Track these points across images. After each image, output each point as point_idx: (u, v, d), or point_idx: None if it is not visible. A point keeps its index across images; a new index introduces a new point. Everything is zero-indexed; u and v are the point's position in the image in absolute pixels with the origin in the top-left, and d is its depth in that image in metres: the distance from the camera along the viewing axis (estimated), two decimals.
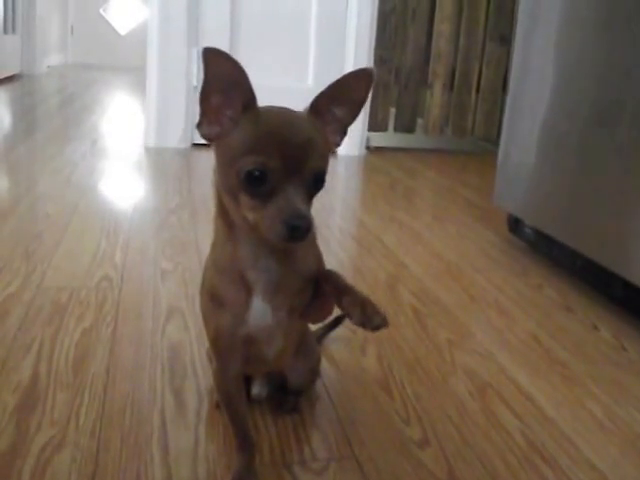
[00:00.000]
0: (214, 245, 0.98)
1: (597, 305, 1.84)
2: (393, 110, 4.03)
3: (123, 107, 5.88)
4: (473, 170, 3.76)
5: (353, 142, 3.83)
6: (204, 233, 2.23)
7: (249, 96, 0.84)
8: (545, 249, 2.14)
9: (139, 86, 6.44)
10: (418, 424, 1.23)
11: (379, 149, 4.07)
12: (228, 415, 1.06)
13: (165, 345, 1.45)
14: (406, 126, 4.05)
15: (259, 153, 0.80)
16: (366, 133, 3.94)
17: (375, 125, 3.97)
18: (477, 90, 4.04)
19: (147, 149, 3.61)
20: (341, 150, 3.84)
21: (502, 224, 2.40)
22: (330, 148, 0.90)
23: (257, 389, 1.23)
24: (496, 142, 3.99)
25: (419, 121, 4.08)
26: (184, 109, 3.63)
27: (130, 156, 3.48)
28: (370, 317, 0.86)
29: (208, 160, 3.06)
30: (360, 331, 1.55)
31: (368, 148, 3.98)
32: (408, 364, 1.45)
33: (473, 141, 4.20)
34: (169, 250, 2.06)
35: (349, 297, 0.90)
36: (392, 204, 2.86)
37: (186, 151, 3.62)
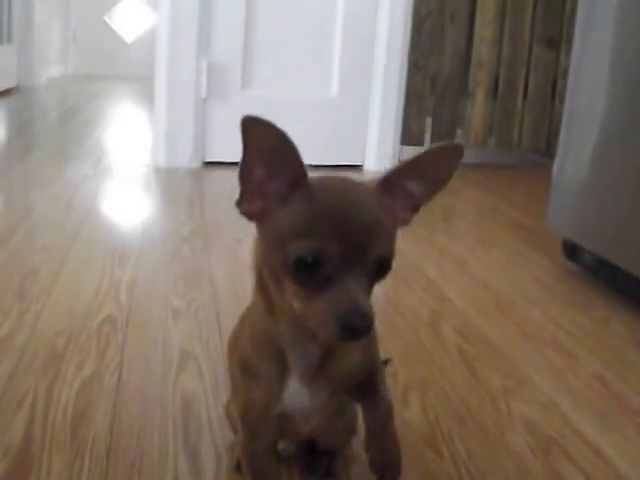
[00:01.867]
0: (251, 311, 0.94)
1: None
2: (429, 121, 3.97)
3: (129, 120, 5.88)
4: (521, 187, 3.69)
5: (383, 156, 3.78)
6: (219, 264, 2.19)
7: (299, 171, 0.78)
8: (608, 278, 2.07)
9: (145, 96, 6.45)
10: None
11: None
12: None
13: (177, 398, 1.40)
14: (444, 139, 3.99)
15: (314, 236, 0.75)
16: (398, 146, 3.89)
17: (408, 138, 3.92)
18: (524, 97, 3.98)
19: (156, 169, 3.58)
20: (369, 165, 3.81)
21: (556, 249, 2.33)
22: (397, 227, 0.83)
23: (283, 444, 1.17)
24: (545, 154, 3.95)
25: (458, 133, 4.02)
26: (193, 124, 3.59)
27: (137, 177, 3.45)
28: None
29: (221, 181, 3.02)
30: (401, 376, 1.50)
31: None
32: (458, 416, 1.38)
33: (520, 154, 4.13)
34: (181, 285, 2.01)
35: (379, 449, 0.99)
36: (430, 227, 2.79)
37: (198, 170, 3.58)
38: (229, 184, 3.31)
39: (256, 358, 0.90)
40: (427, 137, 3.99)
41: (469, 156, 4.02)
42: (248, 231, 2.48)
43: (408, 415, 1.38)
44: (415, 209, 0.85)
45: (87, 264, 2.14)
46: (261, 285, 0.85)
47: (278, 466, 1.12)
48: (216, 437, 1.27)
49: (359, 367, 0.94)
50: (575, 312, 1.93)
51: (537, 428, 1.35)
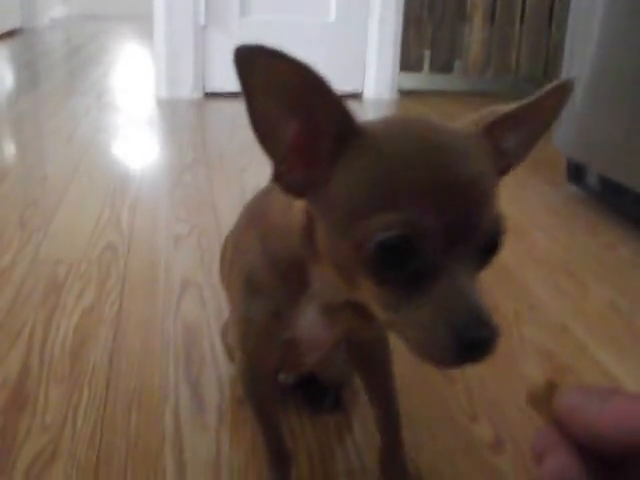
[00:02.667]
0: (273, 232, 0.69)
1: None
2: (427, 47, 3.81)
3: (131, 57, 5.70)
4: None
5: (383, 84, 3.62)
6: (222, 191, 2.07)
7: (342, 115, 0.53)
8: (613, 201, 1.94)
9: (147, 34, 6.25)
10: (488, 421, 1.05)
11: (412, 92, 3.85)
12: (258, 424, 0.87)
13: (179, 327, 1.29)
14: (443, 66, 3.83)
15: (396, 207, 0.49)
16: (397, 73, 3.73)
17: (408, 65, 3.76)
18: (521, 22, 3.80)
19: (158, 101, 3.43)
20: (369, 93, 3.65)
21: (561, 174, 2.20)
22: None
23: (283, 375, 1.04)
24: (543, 82, 3.79)
25: (456, 62, 3.86)
26: (193, 53, 3.43)
27: (139, 109, 3.31)
28: None
29: (222, 111, 2.88)
30: None
31: (400, 91, 3.77)
32: None
33: (517, 82, 3.98)
34: (183, 212, 1.89)
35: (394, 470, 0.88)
36: None
37: (199, 101, 3.43)
38: (230, 114, 3.17)
39: (267, 277, 0.70)
40: (426, 64, 3.84)
41: (468, 84, 3.85)
42: (252, 159, 2.36)
43: None
44: (506, 171, 0.63)
45: (88, 194, 2.01)
46: (309, 236, 0.60)
47: (285, 406, 1.02)
48: (219, 367, 1.16)
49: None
50: (583, 237, 1.81)
51: (551, 355, 1.24)
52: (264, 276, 0.70)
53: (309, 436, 1.01)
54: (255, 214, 0.74)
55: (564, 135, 2.10)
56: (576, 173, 2.11)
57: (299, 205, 0.61)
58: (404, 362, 1.00)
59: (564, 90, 0.61)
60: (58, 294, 1.40)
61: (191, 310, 1.35)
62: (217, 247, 1.64)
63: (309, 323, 0.72)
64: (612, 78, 1.85)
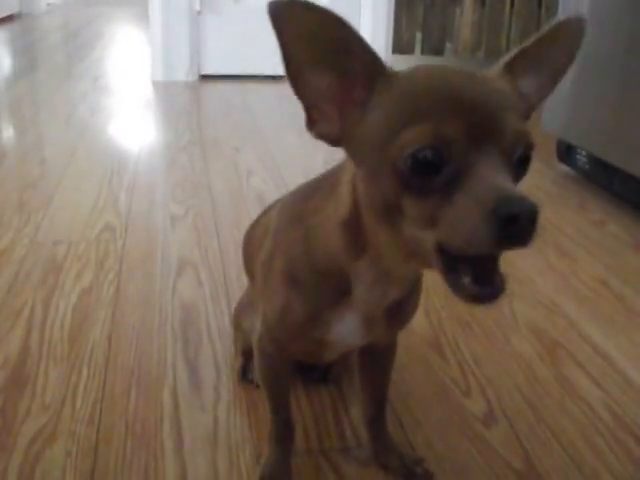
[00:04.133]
0: (316, 232, 0.70)
1: None
2: (419, 30, 3.78)
3: (127, 41, 5.64)
4: None
5: None
6: (217, 172, 2.05)
7: (372, 62, 0.56)
8: (603, 179, 1.93)
9: (143, 19, 6.20)
10: (480, 396, 1.05)
11: None
12: (269, 400, 0.87)
13: (176, 306, 1.28)
14: (434, 48, 3.80)
15: (425, 119, 0.52)
16: (390, 55, 3.70)
17: (400, 47, 3.73)
18: (511, 5, 3.77)
19: (154, 83, 3.40)
20: None
21: (551, 154, 2.18)
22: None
23: None
24: None
25: (447, 45, 3.83)
26: (188, 37, 3.40)
27: (135, 92, 3.27)
28: (411, 469, 0.87)
29: (217, 93, 2.86)
30: None
31: None
32: (461, 319, 1.26)
33: None
34: (179, 193, 1.87)
35: (385, 448, 0.89)
36: None
37: (194, 84, 3.40)
38: (225, 96, 3.15)
39: (309, 277, 0.71)
40: (417, 46, 3.82)
41: (459, 65, 3.85)
42: (245, 140, 2.34)
43: None
44: (528, 115, 0.63)
45: (86, 175, 1.99)
46: (353, 226, 0.64)
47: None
48: (215, 346, 1.15)
49: (413, 312, 0.80)
50: (573, 215, 1.80)
51: (542, 332, 1.23)
52: (306, 276, 0.71)
53: (306, 414, 1.00)
54: (298, 214, 0.74)
55: (554, 116, 2.09)
56: (566, 153, 2.10)
57: (345, 202, 0.64)
58: (401, 342, 1.00)
59: (574, 26, 0.62)
60: (57, 274, 1.38)
61: (188, 290, 1.34)
62: (213, 227, 1.64)
63: (346, 329, 0.73)
64: (602, 60, 1.84)
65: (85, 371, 1.08)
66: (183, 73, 3.45)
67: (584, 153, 1.99)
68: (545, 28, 0.60)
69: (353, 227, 0.64)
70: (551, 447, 0.94)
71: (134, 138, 2.48)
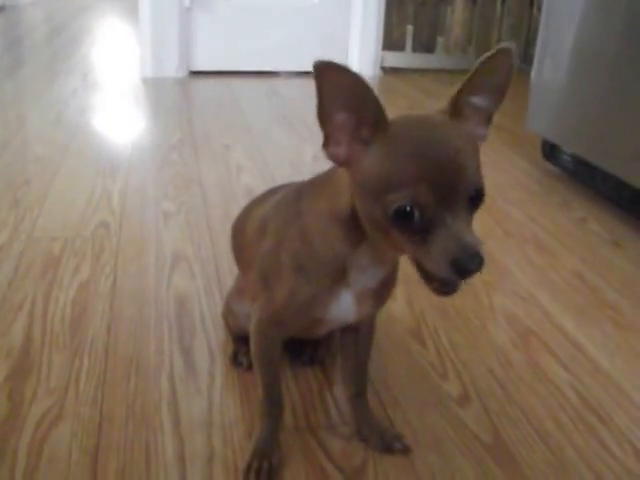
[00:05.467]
0: (317, 222, 0.88)
1: None
2: (410, 28, 3.88)
3: (115, 36, 5.72)
4: None
5: (366, 61, 3.71)
6: (208, 169, 2.16)
7: (378, 113, 0.75)
8: (586, 178, 2.05)
9: (130, 12, 6.27)
10: (457, 379, 1.16)
11: (395, 70, 3.93)
12: (262, 377, 1.00)
13: (171, 298, 1.39)
14: (425, 45, 3.91)
15: (405, 186, 0.72)
16: (380, 52, 3.81)
17: (390, 44, 3.84)
18: (502, 2, 3.88)
19: (144, 80, 3.49)
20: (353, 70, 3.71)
21: (536, 152, 2.30)
22: (478, 146, 0.80)
23: None
24: (523, 60, 3.88)
25: (439, 40, 3.93)
26: (178, 34, 3.49)
27: (125, 88, 3.37)
28: (390, 444, 1.00)
29: (207, 90, 2.96)
30: None
31: (383, 69, 3.85)
32: (442, 309, 1.38)
33: None
34: (171, 189, 1.98)
35: (367, 424, 1.02)
36: None
37: (184, 80, 3.50)
38: (215, 93, 3.25)
39: (309, 260, 0.88)
40: (408, 43, 3.92)
41: (450, 63, 3.92)
42: (236, 137, 2.44)
43: (394, 309, 1.37)
44: (488, 121, 0.82)
45: (80, 173, 2.10)
46: (352, 222, 0.82)
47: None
48: (209, 335, 1.27)
49: (393, 289, 0.97)
50: (554, 211, 1.92)
51: (517, 321, 1.35)
52: (309, 265, 0.89)
53: (293, 392, 1.12)
54: (295, 212, 0.91)
55: (539, 117, 2.20)
56: (551, 151, 2.21)
57: (345, 201, 0.82)
58: (383, 331, 1.12)
59: (504, 56, 0.78)
60: (55, 269, 1.49)
61: (182, 282, 1.45)
62: (205, 223, 1.75)
63: (342, 307, 0.91)
64: (589, 63, 1.95)
65: (87, 358, 1.18)
66: (173, 69, 3.54)
67: (568, 153, 2.11)
68: (478, 61, 0.77)
69: (352, 222, 0.82)
70: (519, 424, 1.06)
71: (125, 135, 2.58)
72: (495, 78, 0.79)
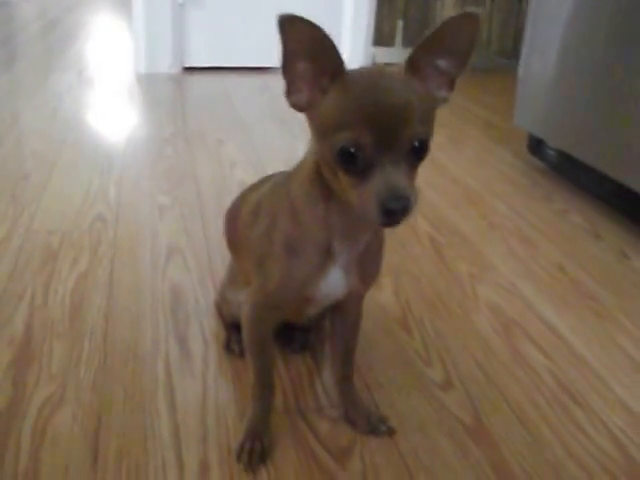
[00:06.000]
0: (299, 198, 0.93)
1: (627, 232, 1.81)
2: (400, 23, 3.93)
3: (109, 31, 5.74)
4: (490, 88, 3.66)
5: (356, 57, 3.74)
6: (202, 163, 2.21)
7: (337, 62, 0.81)
8: (569, 172, 2.10)
9: (124, 7, 6.29)
10: (440, 365, 1.22)
11: (386, 65, 3.96)
12: (255, 360, 1.04)
13: (166, 289, 1.44)
14: (415, 40, 3.93)
15: (349, 128, 0.77)
16: (371, 48, 3.85)
17: (381, 39, 3.88)
18: None
19: (138, 76, 3.53)
20: None
21: (522, 146, 2.35)
22: (435, 106, 0.84)
23: None
24: (512, 56, 3.93)
25: None
26: (171, 30, 3.53)
27: (119, 84, 3.41)
28: (376, 426, 1.06)
29: (201, 85, 2.99)
30: None
31: (374, 64, 3.90)
32: (427, 300, 1.43)
33: (488, 57, 4.11)
34: (166, 183, 2.03)
35: (354, 407, 1.07)
36: None
37: (178, 76, 3.54)
38: (208, 88, 3.29)
39: (301, 243, 0.93)
40: (398, 39, 3.96)
41: None
42: (229, 132, 2.48)
43: (382, 299, 1.42)
44: (451, 85, 0.86)
45: (76, 168, 2.14)
46: (318, 173, 0.88)
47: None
48: (203, 323, 1.32)
49: (378, 270, 1.02)
50: (537, 204, 1.98)
51: (500, 311, 1.41)
52: (301, 246, 0.93)
53: (283, 377, 1.17)
54: (284, 192, 0.96)
55: (526, 112, 2.26)
56: (536, 146, 2.26)
57: (308, 165, 0.90)
58: (371, 319, 1.17)
59: (470, 21, 0.81)
60: (54, 261, 1.54)
61: (176, 274, 1.50)
62: (199, 216, 1.81)
63: (331, 284, 0.95)
64: (575, 60, 2.00)
65: (86, 346, 1.24)
66: (166, 65, 3.58)
67: (553, 147, 2.16)
68: (441, 23, 0.81)
69: (319, 179, 0.88)
70: (499, 406, 1.12)
71: (120, 131, 2.62)
72: (459, 42, 0.82)
